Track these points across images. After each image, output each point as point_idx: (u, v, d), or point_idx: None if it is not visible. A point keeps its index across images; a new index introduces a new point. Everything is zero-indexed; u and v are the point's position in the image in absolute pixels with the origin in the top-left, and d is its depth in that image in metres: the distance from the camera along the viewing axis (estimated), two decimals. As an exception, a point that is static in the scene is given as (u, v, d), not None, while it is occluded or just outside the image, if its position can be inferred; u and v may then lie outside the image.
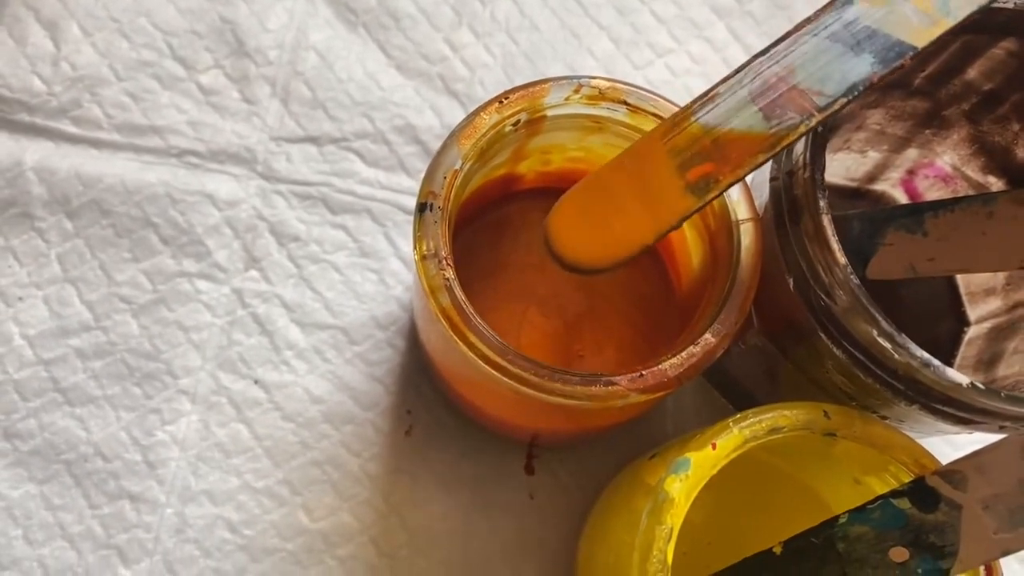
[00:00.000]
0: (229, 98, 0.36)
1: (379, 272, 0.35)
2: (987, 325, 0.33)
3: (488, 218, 0.34)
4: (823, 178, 0.23)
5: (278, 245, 0.35)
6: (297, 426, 0.33)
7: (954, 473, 0.23)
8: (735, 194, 0.26)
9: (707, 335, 0.25)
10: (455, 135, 0.26)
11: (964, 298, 0.34)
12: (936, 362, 0.22)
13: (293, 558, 0.32)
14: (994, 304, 0.33)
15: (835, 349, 0.24)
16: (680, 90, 0.38)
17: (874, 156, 0.33)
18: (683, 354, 0.25)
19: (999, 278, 0.32)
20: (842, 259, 0.22)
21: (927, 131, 0.31)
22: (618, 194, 0.25)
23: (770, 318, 0.27)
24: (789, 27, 0.40)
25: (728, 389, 0.34)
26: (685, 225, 0.30)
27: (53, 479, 0.32)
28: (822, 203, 0.23)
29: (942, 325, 0.34)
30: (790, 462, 0.30)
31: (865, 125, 0.31)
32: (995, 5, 0.25)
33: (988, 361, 0.31)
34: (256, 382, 0.33)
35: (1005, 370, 0.30)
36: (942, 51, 0.27)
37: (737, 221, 0.26)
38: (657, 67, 0.39)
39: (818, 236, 0.23)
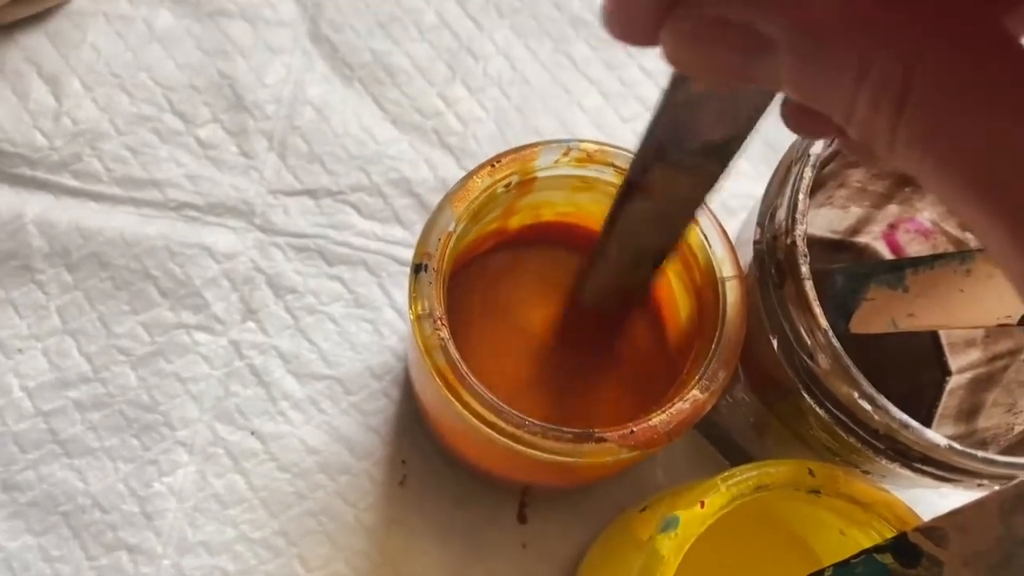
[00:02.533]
0: (227, 152, 0.37)
1: (374, 322, 0.36)
2: (968, 376, 0.33)
3: (480, 268, 0.34)
4: (805, 245, 0.24)
5: (275, 297, 0.36)
6: (293, 476, 0.34)
7: (935, 530, 0.24)
8: (720, 252, 0.27)
9: (695, 391, 0.26)
10: (449, 198, 0.27)
11: (946, 348, 0.35)
12: (915, 423, 0.23)
13: (288, 608, 0.32)
14: (974, 355, 0.33)
15: (817, 408, 0.25)
16: (668, 143, 0.39)
17: (856, 211, 0.34)
18: (672, 410, 0.26)
19: (979, 330, 0.33)
20: (824, 323, 0.23)
21: (907, 189, 0.32)
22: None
23: (755, 375, 0.28)
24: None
25: (718, 440, 0.34)
26: (673, 279, 0.31)
27: (51, 530, 0.32)
28: (804, 268, 0.24)
29: (925, 374, 0.35)
30: (780, 514, 0.31)
31: (847, 183, 0.32)
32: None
33: (969, 412, 0.32)
34: (253, 433, 0.34)
35: (985, 422, 0.31)
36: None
37: (722, 278, 0.27)
38: (644, 119, 0.39)
39: (800, 300, 0.24)
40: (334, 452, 0.34)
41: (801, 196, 0.24)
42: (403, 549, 0.33)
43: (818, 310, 0.23)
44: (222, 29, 0.39)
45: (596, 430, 0.25)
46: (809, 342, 0.24)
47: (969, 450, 0.23)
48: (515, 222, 0.33)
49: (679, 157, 0.21)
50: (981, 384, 0.32)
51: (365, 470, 0.34)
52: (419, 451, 0.34)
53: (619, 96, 0.40)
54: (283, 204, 0.37)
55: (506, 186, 0.28)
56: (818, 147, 0.25)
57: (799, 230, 0.24)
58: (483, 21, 0.40)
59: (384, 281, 0.36)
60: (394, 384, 0.35)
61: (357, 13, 0.40)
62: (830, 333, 0.23)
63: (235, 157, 0.37)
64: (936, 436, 0.23)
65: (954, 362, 0.34)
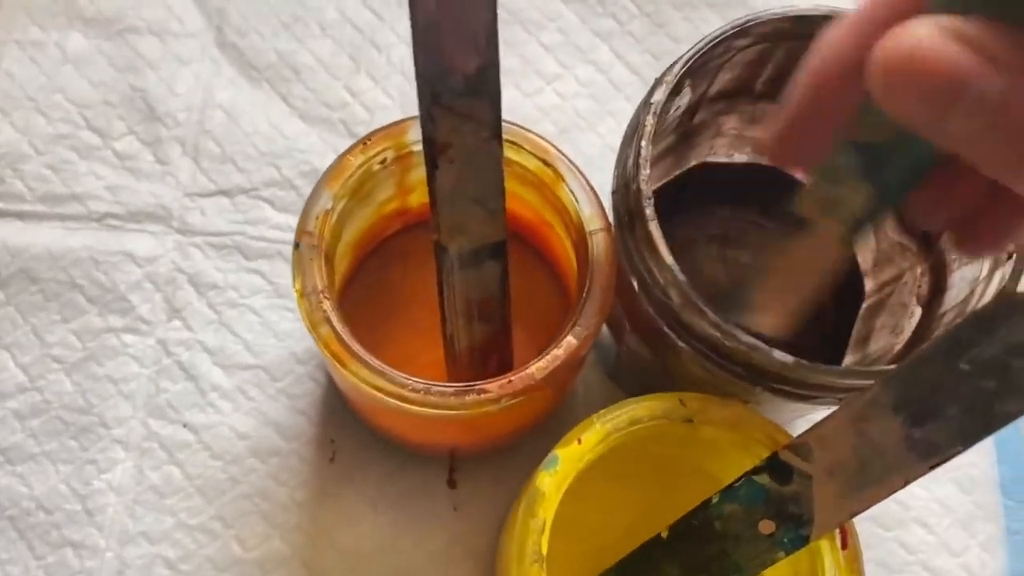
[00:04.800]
0: (143, 161, 0.39)
1: (295, 310, 0.37)
2: (864, 305, 0.35)
3: (391, 249, 0.36)
4: (649, 188, 0.25)
5: (197, 294, 0.37)
6: (226, 463, 0.35)
7: (801, 445, 0.25)
8: (587, 209, 0.29)
9: (569, 337, 0.27)
10: (323, 179, 0.28)
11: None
12: (763, 345, 0.24)
13: (231, 588, 0.34)
14: (868, 285, 0.35)
15: (680, 343, 0.26)
16: (570, 112, 0.41)
17: (741, 159, 0.35)
18: (548, 357, 0.27)
19: (868, 261, 0.34)
20: (669, 260, 0.24)
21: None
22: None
23: (636, 321, 0.29)
24: (669, 44, 0.43)
25: (632, 392, 0.36)
26: (565, 240, 0.32)
27: (-1, 534, 0.34)
28: (648, 211, 0.25)
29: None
30: (684, 452, 0.32)
31: (723, 131, 0.33)
32: (807, 14, 0.28)
33: (863, 340, 0.33)
34: (185, 425, 0.35)
35: (874, 345, 0.32)
36: (770, 57, 0.29)
37: (590, 232, 0.28)
38: (546, 93, 0.41)
39: (648, 241, 0.25)
40: (264, 436, 0.36)
41: (644, 143, 0.25)
42: (336, 521, 0.35)
43: (664, 249, 0.24)
44: (132, 45, 0.40)
45: (477, 383, 0.27)
46: (661, 280, 0.25)
47: (815, 364, 0.24)
48: (415, 200, 0.34)
49: (451, 99, 0.23)
50: (873, 312, 0.33)
51: (295, 451, 0.35)
52: (347, 429, 0.36)
53: (519, 72, 0.41)
54: (199, 206, 0.38)
55: (382, 162, 0.29)
56: (659, 96, 0.26)
57: (643, 175, 0.25)
58: (384, 13, 0.42)
59: (303, 270, 0.38)
60: (319, 368, 0.37)
61: (260, 17, 0.41)
62: (675, 269, 0.24)
63: (151, 165, 0.39)
64: (783, 355, 0.24)
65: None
